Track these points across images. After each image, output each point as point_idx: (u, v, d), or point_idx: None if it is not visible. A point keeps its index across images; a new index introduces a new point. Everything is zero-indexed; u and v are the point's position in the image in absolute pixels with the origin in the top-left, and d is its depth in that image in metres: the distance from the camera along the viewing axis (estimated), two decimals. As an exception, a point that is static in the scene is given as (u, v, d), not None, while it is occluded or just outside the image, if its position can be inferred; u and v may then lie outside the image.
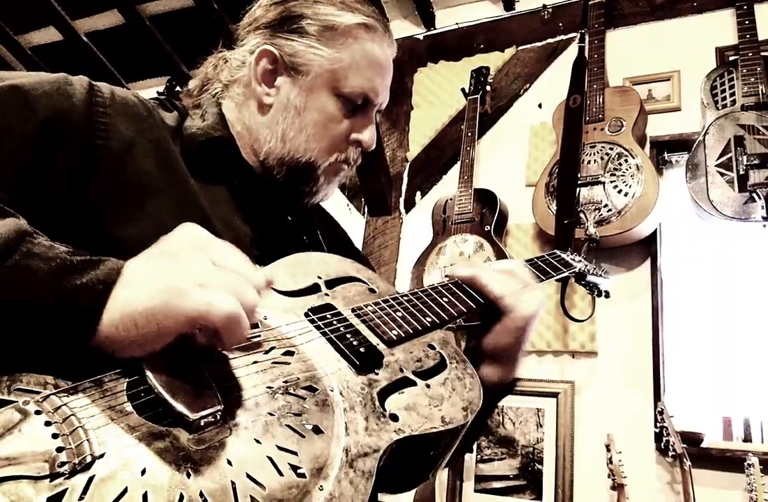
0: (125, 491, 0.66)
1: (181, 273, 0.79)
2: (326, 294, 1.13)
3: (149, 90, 5.07)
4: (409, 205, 4.25)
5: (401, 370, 1.04)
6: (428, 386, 1.04)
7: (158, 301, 0.76)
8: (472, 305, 1.27)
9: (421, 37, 4.61)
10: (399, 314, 1.15)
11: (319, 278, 1.15)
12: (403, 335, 1.10)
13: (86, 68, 5.07)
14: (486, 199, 3.67)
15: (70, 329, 0.76)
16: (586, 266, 1.70)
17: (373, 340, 1.07)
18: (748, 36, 3.30)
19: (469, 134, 3.88)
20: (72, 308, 0.76)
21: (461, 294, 1.30)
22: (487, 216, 3.61)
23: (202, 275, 0.79)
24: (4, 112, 0.96)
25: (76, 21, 5.03)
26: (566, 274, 1.57)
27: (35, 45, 5.34)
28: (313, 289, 1.13)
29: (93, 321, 0.76)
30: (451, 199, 3.79)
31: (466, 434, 1.10)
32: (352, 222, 4.21)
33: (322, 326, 1.04)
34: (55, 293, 0.76)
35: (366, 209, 4.34)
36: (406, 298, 1.21)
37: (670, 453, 2.83)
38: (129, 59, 5.30)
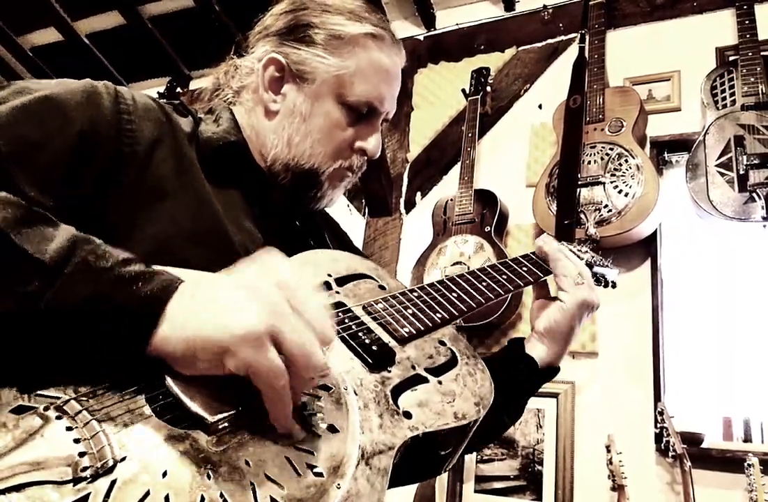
0: (147, 493, 0.67)
1: (262, 318, 0.78)
2: (337, 292, 1.14)
3: (150, 91, 5.07)
4: (410, 206, 4.26)
5: (413, 367, 1.05)
6: (440, 382, 1.05)
7: (232, 338, 0.76)
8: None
9: (421, 37, 4.61)
10: (410, 310, 1.16)
11: (329, 275, 1.16)
12: (414, 332, 1.12)
13: (87, 69, 5.07)
14: (486, 199, 3.67)
15: (119, 341, 0.77)
16: (593, 257, 1.70)
17: (385, 337, 1.08)
18: (748, 36, 3.30)
19: (470, 135, 3.88)
20: (127, 318, 0.77)
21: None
22: (487, 217, 3.61)
23: (279, 324, 0.78)
24: (42, 124, 0.97)
25: (77, 22, 5.04)
26: None
27: (36, 46, 5.34)
28: (324, 287, 1.13)
29: (145, 332, 0.77)
30: (451, 199, 3.79)
31: (508, 416, 1.30)
32: (353, 223, 4.21)
33: (334, 325, 1.05)
34: (111, 304, 0.77)
35: (366, 210, 4.34)
36: (416, 294, 1.22)
37: (670, 454, 2.83)
38: (129, 60, 5.30)
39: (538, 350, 1.43)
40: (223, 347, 0.76)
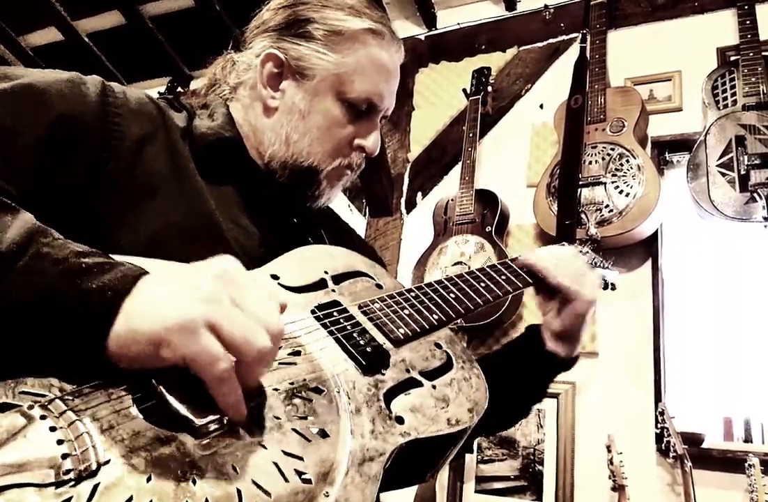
0: (131, 499, 0.66)
1: (197, 309, 0.76)
2: (333, 290, 1.12)
3: (150, 90, 5.05)
4: (410, 205, 4.25)
5: (408, 370, 1.04)
6: (434, 386, 1.03)
7: (164, 330, 0.74)
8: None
9: (422, 37, 4.60)
10: (406, 311, 1.14)
11: (326, 272, 1.14)
12: (410, 334, 1.10)
13: (87, 69, 5.03)
14: (487, 199, 3.67)
15: (80, 333, 0.75)
16: (594, 258, 1.69)
17: (380, 339, 1.06)
18: (749, 36, 3.29)
19: (471, 135, 3.88)
20: (80, 312, 0.75)
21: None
22: (488, 217, 3.60)
23: (215, 313, 0.76)
24: (18, 111, 0.95)
25: (77, 21, 5.03)
26: None
27: (36, 45, 5.35)
28: (320, 284, 1.12)
29: (102, 327, 0.75)
30: (452, 199, 3.78)
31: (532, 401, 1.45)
32: (354, 223, 4.19)
33: (329, 324, 1.04)
34: (64, 297, 0.75)
35: (367, 210, 4.34)
36: (413, 294, 1.20)
37: (670, 454, 2.83)
38: (130, 60, 5.30)
39: (558, 352, 1.44)
40: (157, 338, 0.74)
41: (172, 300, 0.77)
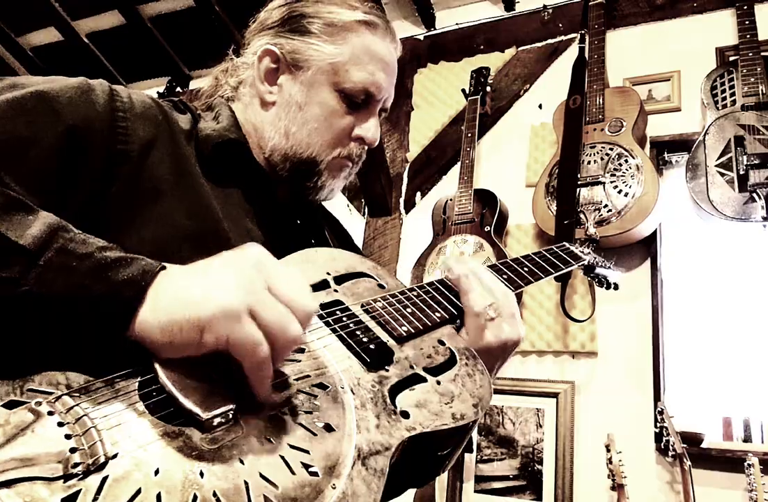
0: (139, 491, 0.66)
1: (239, 295, 0.80)
2: (335, 290, 1.13)
3: (149, 91, 5.07)
4: (409, 205, 4.25)
5: (411, 366, 1.04)
6: (438, 382, 1.03)
7: (208, 316, 0.78)
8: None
9: (421, 37, 4.61)
10: (408, 309, 1.15)
11: (328, 274, 1.15)
12: (412, 331, 1.11)
13: (86, 69, 5.08)
14: (486, 199, 3.67)
15: (102, 326, 0.78)
16: (595, 258, 1.70)
17: (383, 336, 1.07)
18: (748, 36, 3.30)
19: (469, 135, 3.88)
20: (107, 304, 0.78)
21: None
22: (487, 216, 3.61)
23: (255, 301, 0.80)
24: (31, 120, 0.96)
25: (77, 22, 5.03)
26: (575, 266, 1.57)
27: (36, 46, 5.34)
28: (322, 285, 1.13)
29: (125, 317, 0.78)
30: (451, 199, 3.79)
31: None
32: (353, 223, 4.21)
33: (332, 323, 1.05)
34: (91, 291, 0.77)
35: (366, 210, 4.34)
36: (415, 293, 1.21)
37: (670, 453, 2.82)
38: (129, 60, 5.30)
39: None
40: (201, 323, 0.77)
41: (212, 287, 0.81)
